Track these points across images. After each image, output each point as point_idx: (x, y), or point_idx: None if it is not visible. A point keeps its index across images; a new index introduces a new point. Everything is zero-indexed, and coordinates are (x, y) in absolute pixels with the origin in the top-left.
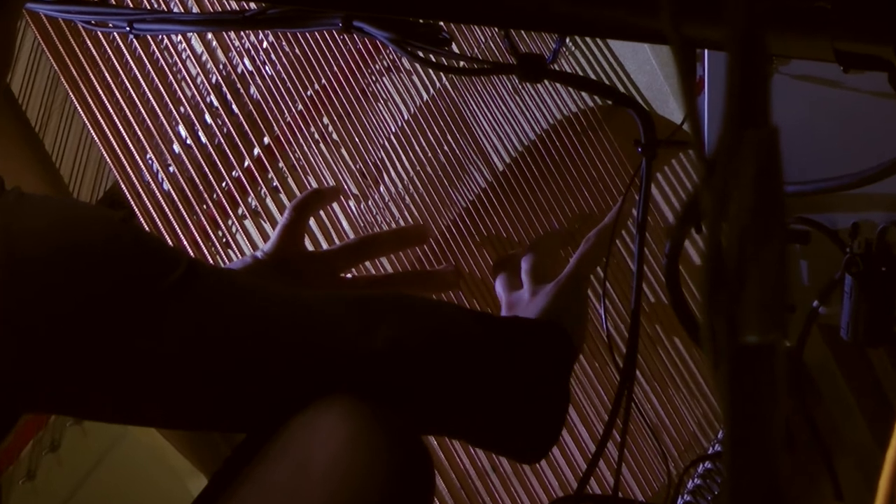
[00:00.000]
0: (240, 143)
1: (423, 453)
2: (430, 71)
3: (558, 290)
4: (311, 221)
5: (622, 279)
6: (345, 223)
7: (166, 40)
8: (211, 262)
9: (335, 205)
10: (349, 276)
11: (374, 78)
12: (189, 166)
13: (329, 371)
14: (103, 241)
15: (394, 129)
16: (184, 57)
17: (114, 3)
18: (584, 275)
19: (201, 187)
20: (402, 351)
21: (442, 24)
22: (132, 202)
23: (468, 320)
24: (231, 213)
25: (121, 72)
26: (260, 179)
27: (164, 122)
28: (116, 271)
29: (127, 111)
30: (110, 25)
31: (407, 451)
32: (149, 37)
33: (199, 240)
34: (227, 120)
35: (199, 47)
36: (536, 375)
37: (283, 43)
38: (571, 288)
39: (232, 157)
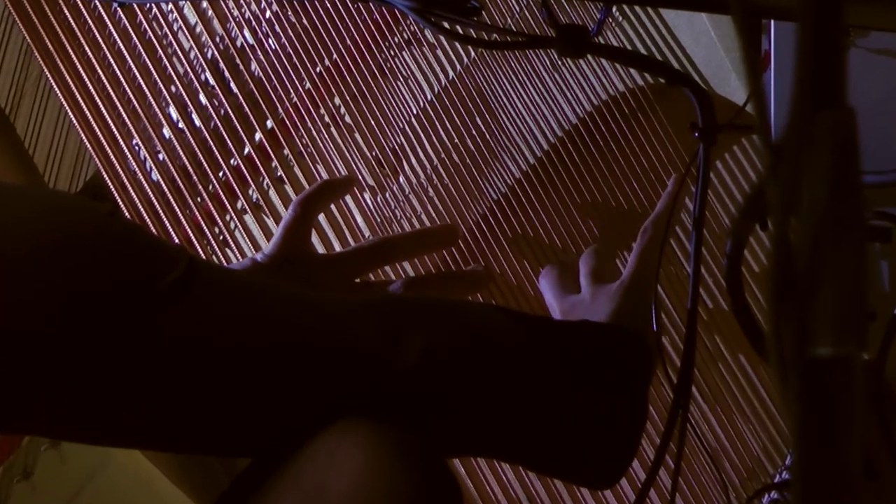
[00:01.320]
0: (239, 128)
1: (451, 482)
2: (457, 45)
3: (624, 290)
4: (320, 216)
5: (676, 283)
6: (359, 218)
7: (155, 9)
8: None
9: (348, 198)
10: (362, 281)
11: (392, 53)
12: (181, 153)
13: (351, 387)
14: (93, 236)
15: (415, 111)
16: (175, 28)
17: None
18: (648, 272)
19: (195, 177)
20: (437, 364)
21: None
22: (116, 194)
23: (517, 323)
24: (229, 208)
25: (103, 45)
26: (262, 168)
27: (153, 102)
28: (108, 271)
29: (110, 90)
30: None
31: (433, 480)
32: (135, 5)
33: (192, 237)
34: (224, 100)
35: (192, 17)
36: (609, 388)
37: (289, 12)
38: (638, 288)
39: (230, 143)
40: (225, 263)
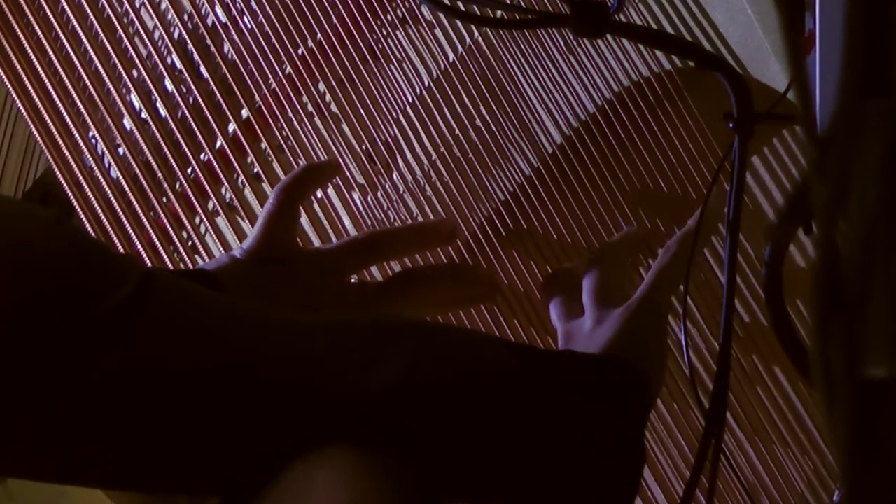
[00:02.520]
0: (210, 118)
1: None
2: (458, 23)
3: (629, 315)
4: (303, 219)
5: (708, 294)
6: (347, 220)
7: None
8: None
9: (335, 198)
10: (354, 280)
11: (384, 32)
12: (144, 147)
13: (325, 414)
14: (30, 248)
15: (410, 99)
16: (137, 4)
17: None
18: (662, 296)
19: (160, 175)
20: (418, 390)
21: None
22: (70, 194)
23: (505, 353)
24: (199, 209)
25: (55, 24)
26: (236, 164)
27: (112, 89)
28: (48, 288)
29: (63, 75)
30: None
31: None
32: None
33: (157, 243)
34: (193, 87)
35: None
36: (601, 428)
37: None
38: (647, 313)
39: (200, 136)
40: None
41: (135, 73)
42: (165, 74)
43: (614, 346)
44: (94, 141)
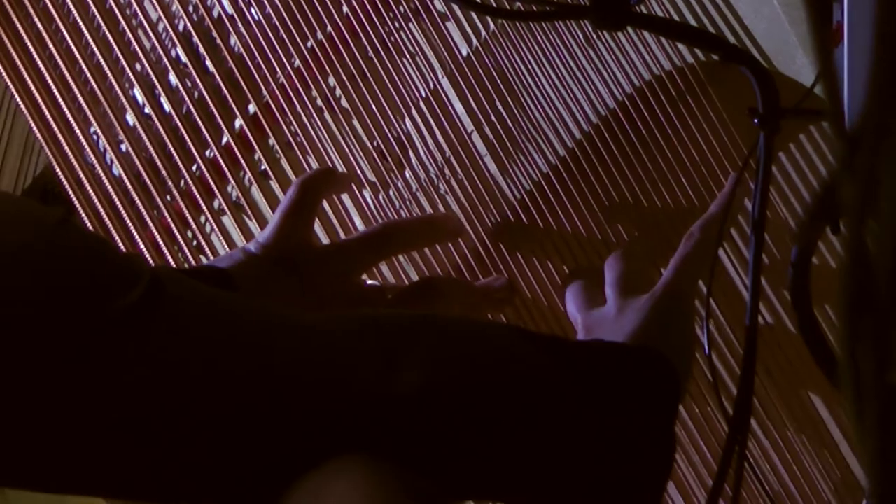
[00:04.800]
0: (216, 113)
1: None
2: (474, 15)
3: (654, 303)
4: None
5: (732, 295)
6: (357, 219)
7: None
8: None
9: (345, 197)
10: (371, 282)
11: (397, 25)
12: (148, 144)
13: (342, 422)
14: (34, 249)
15: (424, 94)
16: None
17: None
18: (688, 284)
19: (164, 172)
20: (438, 397)
21: None
22: (71, 192)
23: (528, 347)
24: (204, 207)
25: (56, 17)
26: (243, 161)
27: (115, 83)
28: (55, 292)
29: (64, 69)
30: None
31: None
32: None
33: (161, 243)
34: (198, 81)
35: None
36: (629, 421)
37: None
38: (672, 302)
39: (206, 132)
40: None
41: (138, 66)
42: (170, 68)
43: (641, 335)
44: (95, 137)
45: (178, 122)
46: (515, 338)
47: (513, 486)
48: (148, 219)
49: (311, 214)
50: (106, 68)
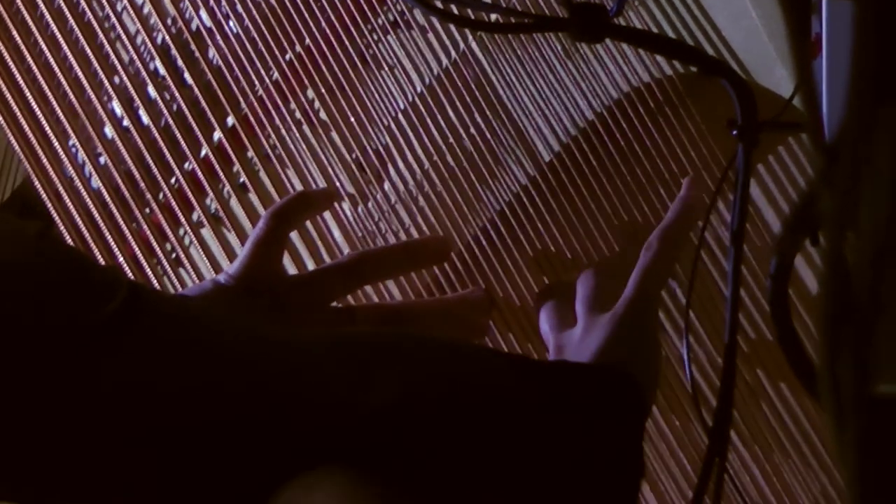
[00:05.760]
0: (195, 125)
1: None
2: (452, 28)
3: (617, 320)
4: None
5: (711, 308)
6: (336, 232)
7: None
8: (156, 285)
9: None
10: (343, 306)
11: (375, 37)
12: (126, 157)
13: (318, 434)
14: (13, 264)
15: (402, 106)
16: (119, 8)
17: None
18: (650, 296)
19: (143, 185)
20: (412, 410)
21: None
22: (49, 205)
23: (499, 366)
24: (183, 220)
25: (34, 28)
26: (222, 174)
27: (93, 96)
28: (33, 306)
29: (42, 82)
30: None
31: None
32: None
33: (139, 256)
34: (177, 94)
35: None
36: (598, 439)
37: None
38: (634, 316)
39: (184, 144)
40: (178, 286)
41: (116, 79)
42: (148, 81)
43: (605, 353)
44: (74, 150)
45: (156, 134)
46: (486, 356)
47: (479, 497)
48: (127, 231)
49: (282, 244)
50: (84, 81)
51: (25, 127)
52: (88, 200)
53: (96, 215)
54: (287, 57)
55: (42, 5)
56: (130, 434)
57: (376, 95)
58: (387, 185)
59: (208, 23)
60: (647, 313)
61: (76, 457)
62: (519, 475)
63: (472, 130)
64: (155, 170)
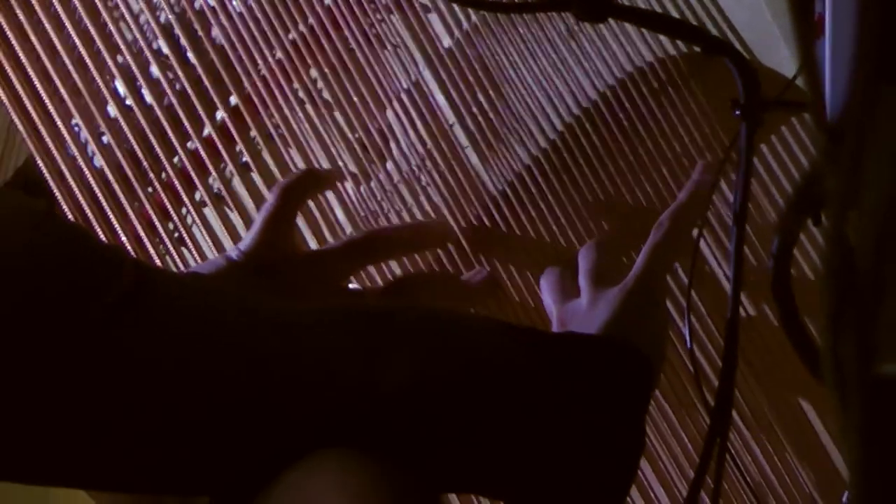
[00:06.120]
0: (197, 105)
1: None
2: (455, 7)
3: (625, 295)
4: None
5: (713, 287)
6: (339, 211)
7: None
8: (159, 264)
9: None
10: (352, 285)
11: (378, 17)
12: (129, 136)
13: (325, 416)
14: (23, 241)
15: (405, 86)
16: None
17: None
18: (659, 274)
19: (145, 164)
20: (419, 391)
21: None
22: (52, 184)
23: (507, 340)
24: (186, 200)
25: (37, 8)
26: (225, 153)
27: (96, 75)
28: (41, 284)
29: (45, 61)
30: None
31: None
32: None
33: (142, 235)
34: (180, 73)
35: None
36: (601, 413)
37: None
38: (643, 292)
39: (187, 124)
40: (181, 266)
41: (119, 58)
42: (151, 60)
43: (613, 326)
44: (76, 129)
45: (159, 114)
46: (494, 329)
47: (491, 477)
48: (129, 210)
49: (291, 219)
50: (87, 60)
51: (28, 106)
52: (91, 179)
53: (99, 194)
54: (290, 36)
55: None
56: (136, 414)
57: (379, 75)
58: (389, 165)
59: (212, 1)
60: (655, 289)
61: (78, 432)
62: (519, 448)
63: (475, 110)
64: (158, 149)
